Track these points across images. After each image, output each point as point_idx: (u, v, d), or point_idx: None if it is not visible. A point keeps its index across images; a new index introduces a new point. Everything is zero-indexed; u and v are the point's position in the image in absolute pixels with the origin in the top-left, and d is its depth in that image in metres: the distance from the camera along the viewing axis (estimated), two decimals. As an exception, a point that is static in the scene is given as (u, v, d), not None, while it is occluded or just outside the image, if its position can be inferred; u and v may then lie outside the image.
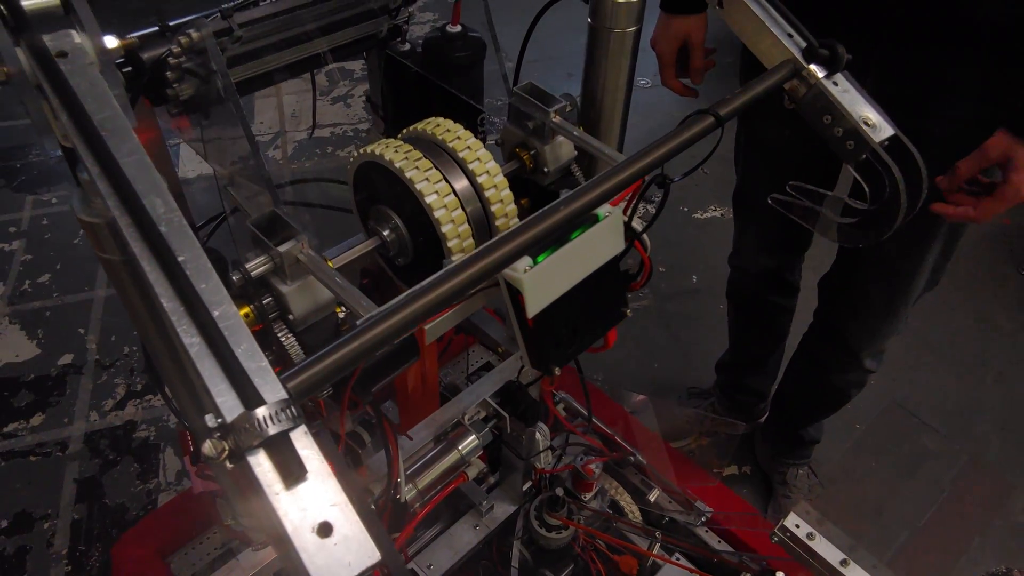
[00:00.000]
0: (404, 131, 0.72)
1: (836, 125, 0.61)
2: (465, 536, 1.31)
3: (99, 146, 0.38)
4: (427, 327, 0.59)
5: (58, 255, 2.08)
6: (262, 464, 0.32)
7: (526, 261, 0.57)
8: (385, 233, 0.70)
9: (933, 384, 1.85)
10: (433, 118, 0.72)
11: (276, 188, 1.12)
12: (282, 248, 0.59)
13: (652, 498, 1.41)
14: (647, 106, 2.78)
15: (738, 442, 1.73)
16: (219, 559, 1.32)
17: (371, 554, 0.31)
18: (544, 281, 0.58)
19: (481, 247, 0.45)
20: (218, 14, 0.60)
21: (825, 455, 1.67)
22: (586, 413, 1.48)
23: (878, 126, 0.60)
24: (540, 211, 0.48)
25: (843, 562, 1.10)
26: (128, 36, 0.46)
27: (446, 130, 0.69)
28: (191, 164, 2.26)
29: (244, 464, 0.32)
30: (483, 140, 0.94)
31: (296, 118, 2.58)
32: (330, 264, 0.64)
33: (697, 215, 2.31)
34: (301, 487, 0.32)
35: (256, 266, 0.60)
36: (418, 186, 0.64)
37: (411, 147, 0.67)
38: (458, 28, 0.87)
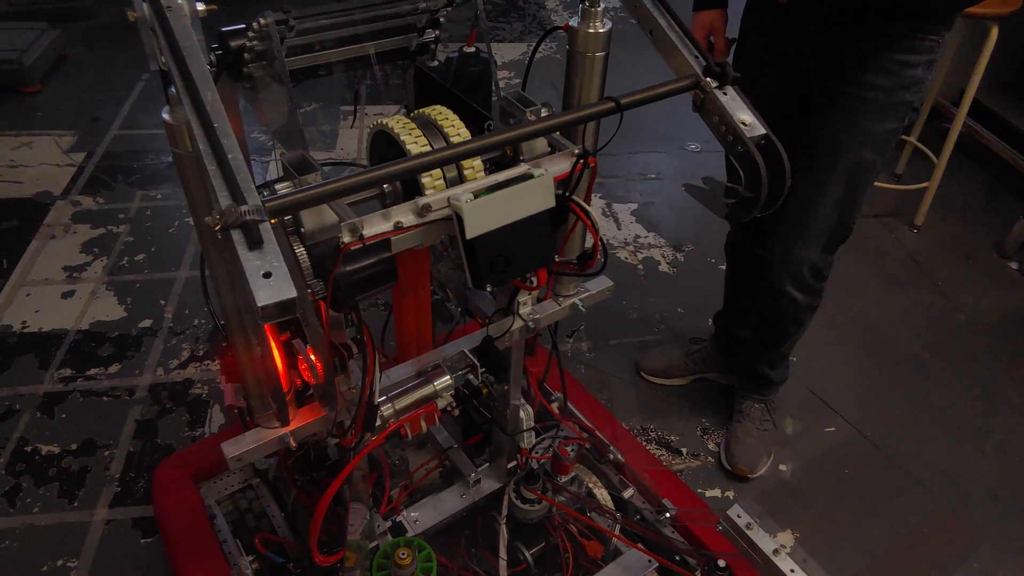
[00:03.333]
0: (412, 113, 0.95)
1: (722, 124, 0.80)
2: (451, 501, 1.48)
3: (181, 62, 0.62)
4: (394, 239, 0.79)
5: (154, 240, 2.42)
6: (239, 236, 0.53)
7: (468, 196, 0.77)
8: (384, 187, 0.92)
9: (928, 443, 1.90)
10: (437, 106, 0.95)
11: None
12: (303, 176, 0.82)
13: (627, 495, 1.54)
14: (696, 166, 2.97)
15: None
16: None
17: (291, 291, 0.52)
18: (481, 213, 0.78)
19: (413, 155, 0.66)
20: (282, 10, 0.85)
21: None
22: (575, 412, 1.64)
23: (752, 126, 0.79)
24: (454, 140, 0.69)
25: (775, 551, 1.21)
26: (209, 3, 0.70)
27: (439, 112, 0.91)
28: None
29: (227, 234, 0.53)
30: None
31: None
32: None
33: (723, 267, 2.45)
34: (258, 251, 0.53)
35: (283, 188, 0.83)
36: (408, 146, 0.86)
37: (411, 122, 0.90)
38: (472, 49, 1.10)
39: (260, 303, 0.51)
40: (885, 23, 1.22)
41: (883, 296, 2.38)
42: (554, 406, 1.63)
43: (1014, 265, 2.51)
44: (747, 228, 1.74)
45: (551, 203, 0.84)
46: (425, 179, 0.86)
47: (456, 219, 0.79)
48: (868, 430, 1.93)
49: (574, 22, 0.98)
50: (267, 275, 0.52)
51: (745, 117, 0.79)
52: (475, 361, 1.16)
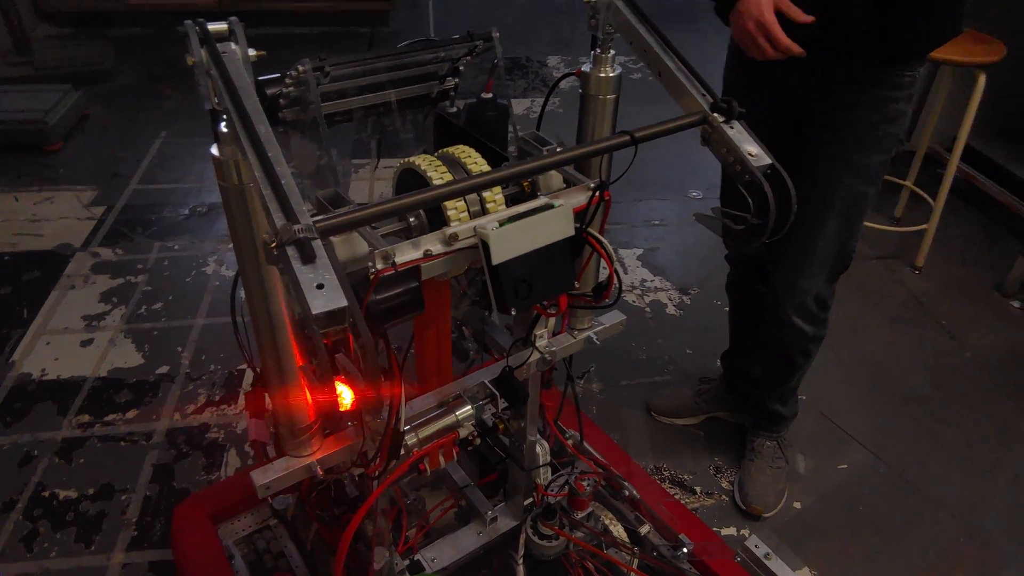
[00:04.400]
0: (437, 152, 1.01)
1: (730, 155, 0.85)
2: (468, 539, 1.48)
3: (236, 100, 0.68)
4: (423, 266, 0.84)
5: (171, 289, 2.47)
6: (293, 252, 0.58)
7: (494, 224, 0.82)
8: (411, 219, 0.97)
9: (941, 476, 1.91)
10: (460, 145, 1.01)
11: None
12: (337, 209, 0.87)
13: (643, 531, 1.54)
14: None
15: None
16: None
17: (342, 301, 0.56)
18: (507, 240, 0.83)
19: (435, 186, 0.72)
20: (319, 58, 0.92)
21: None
22: (589, 450, 1.66)
23: (759, 157, 0.84)
24: (478, 173, 0.74)
25: (795, 581, 1.21)
26: (259, 51, 0.76)
27: (461, 151, 0.97)
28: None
29: (283, 250, 0.58)
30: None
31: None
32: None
33: (729, 309, 2.49)
34: (311, 265, 0.58)
35: (319, 220, 0.88)
36: (434, 181, 0.92)
37: (436, 159, 0.96)
38: (490, 95, 1.17)
39: (314, 311, 0.55)
40: (869, 63, 1.30)
41: (889, 336, 2.41)
42: (569, 443, 1.65)
43: (1016, 304, 2.55)
44: (748, 266, 1.78)
45: (570, 232, 0.89)
46: (451, 211, 0.91)
47: (482, 247, 0.84)
48: (880, 466, 1.94)
49: (586, 67, 1.05)
50: (320, 287, 0.57)
51: (751, 148, 0.85)
52: (495, 391, 1.19)
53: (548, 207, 0.86)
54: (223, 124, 0.76)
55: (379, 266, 0.81)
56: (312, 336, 0.78)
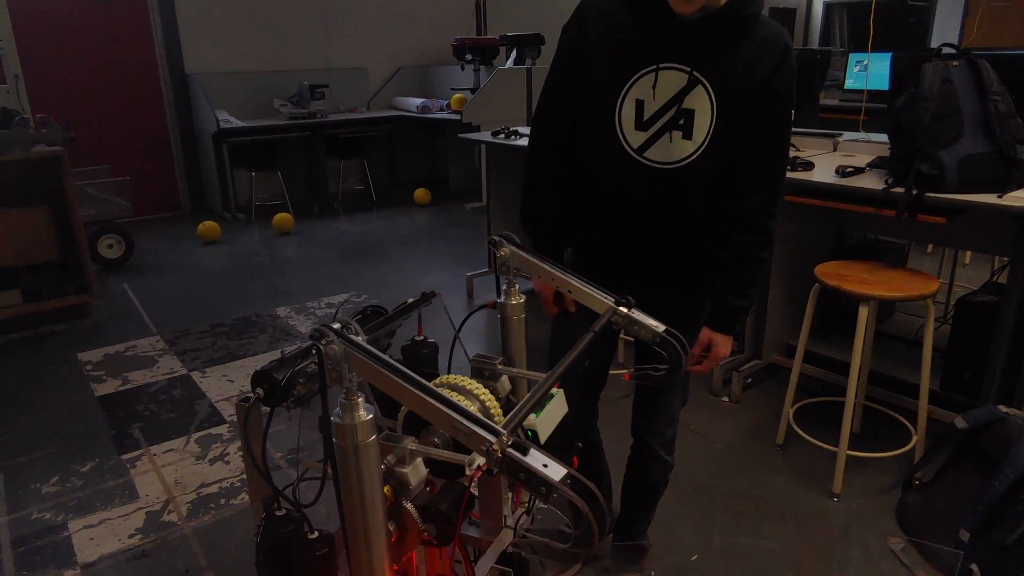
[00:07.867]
0: (434, 382, 1.27)
1: (640, 330, 1.31)
2: None
3: (392, 365, 0.93)
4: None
5: None
6: (514, 451, 0.84)
7: (533, 416, 1.13)
8: (435, 439, 1.21)
9: (763, 532, 2.48)
10: (451, 377, 1.30)
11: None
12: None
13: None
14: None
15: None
16: None
17: (564, 469, 0.84)
18: (543, 422, 1.14)
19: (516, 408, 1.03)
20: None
21: None
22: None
23: (658, 325, 1.31)
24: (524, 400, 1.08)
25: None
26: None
27: (457, 379, 1.27)
28: (88, 550, 2.41)
29: (508, 452, 0.84)
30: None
31: (180, 484, 2.83)
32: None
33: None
34: (530, 455, 0.84)
35: (391, 458, 1.09)
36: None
37: (448, 390, 1.23)
38: (422, 337, 1.49)
39: (557, 479, 0.82)
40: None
41: (664, 449, 3.05)
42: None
43: (724, 398, 3.44)
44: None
45: (566, 409, 1.23)
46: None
47: (525, 432, 1.14)
48: (718, 547, 2.45)
49: (500, 299, 1.45)
50: (545, 465, 0.84)
51: (652, 321, 1.32)
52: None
53: (552, 396, 1.20)
54: (342, 396, 0.98)
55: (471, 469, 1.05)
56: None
